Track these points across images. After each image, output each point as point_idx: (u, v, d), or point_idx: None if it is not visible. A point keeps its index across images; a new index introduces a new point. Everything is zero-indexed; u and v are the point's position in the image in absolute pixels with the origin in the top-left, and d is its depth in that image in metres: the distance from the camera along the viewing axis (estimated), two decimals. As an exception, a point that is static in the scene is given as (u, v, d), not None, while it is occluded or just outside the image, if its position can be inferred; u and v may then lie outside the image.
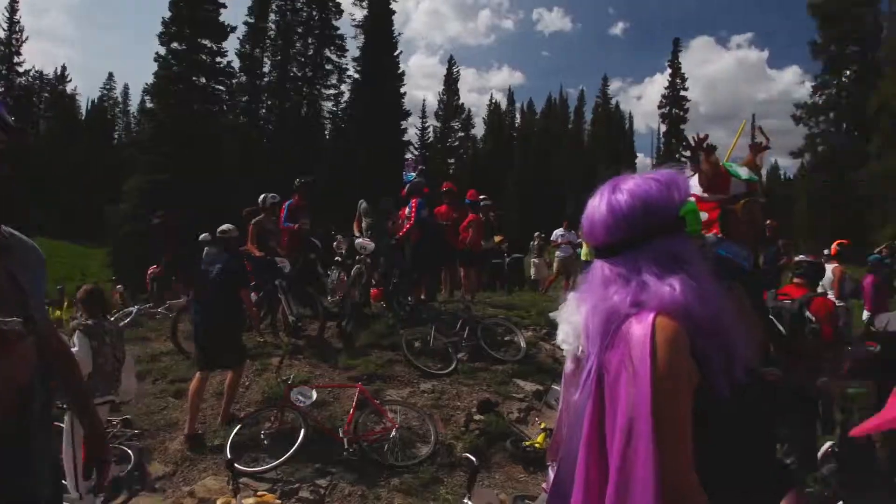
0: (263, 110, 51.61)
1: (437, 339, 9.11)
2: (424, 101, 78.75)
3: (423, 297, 11.03)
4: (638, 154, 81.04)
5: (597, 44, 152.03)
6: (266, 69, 51.34)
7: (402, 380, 8.34)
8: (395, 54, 53.84)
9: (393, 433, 6.86)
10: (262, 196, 10.21)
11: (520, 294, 15.70)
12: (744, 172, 2.51)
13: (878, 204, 35.52)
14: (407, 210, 10.31)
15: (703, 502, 1.57)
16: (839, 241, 11.83)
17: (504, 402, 8.04)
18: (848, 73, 46.82)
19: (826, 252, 12.24)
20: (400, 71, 54.26)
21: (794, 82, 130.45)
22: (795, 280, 5.80)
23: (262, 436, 6.71)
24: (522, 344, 9.56)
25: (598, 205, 1.79)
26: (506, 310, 11.43)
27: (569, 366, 1.98)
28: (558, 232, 16.12)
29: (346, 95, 53.72)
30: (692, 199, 2.53)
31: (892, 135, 34.87)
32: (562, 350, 1.95)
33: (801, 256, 6.23)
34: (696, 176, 2.58)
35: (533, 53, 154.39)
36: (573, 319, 1.83)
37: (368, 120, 48.91)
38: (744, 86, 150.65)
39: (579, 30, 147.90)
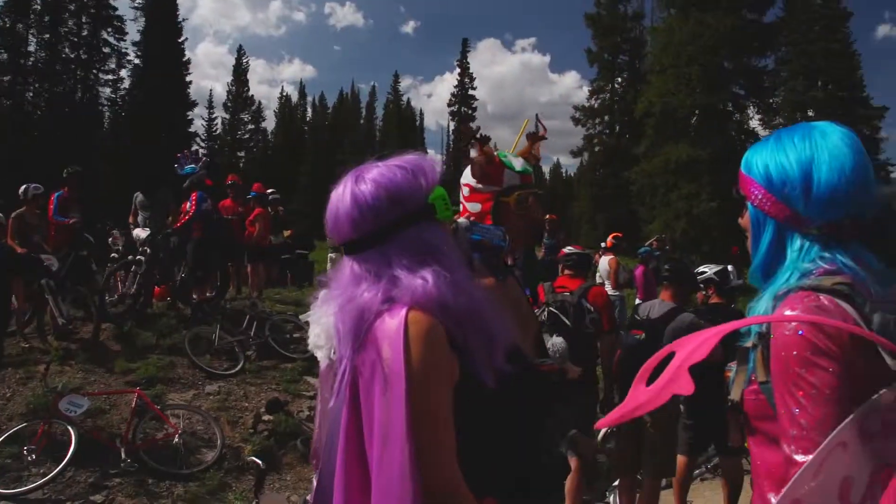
0: (31, 94, 46.82)
1: (222, 338, 8.73)
2: (212, 91, 75.24)
3: (208, 294, 10.54)
4: (429, 150, 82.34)
5: (388, 40, 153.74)
6: (32, 48, 46.34)
7: (186, 382, 7.91)
8: (181, 41, 51.11)
9: (175, 439, 6.47)
10: (23, 186, 9.20)
11: (311, 290, 15.44)
12: (518, 164, 2.50)
13: (647, 201, 38.66)
14: (188, 204, 9.76)
15: (469, 501, 1.56)
16: (614, 234, 12.71)
17: (294, 400, 7.86)
18: (619, 80, 50.74)
19: (602, 245, 13.06)
20: (186, 58, 51.61)
21: (573, 86, 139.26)
22: (566, 272, 6.08)
23: (25, 452, 6.03)
24: (313, 340, 9.34)
25: (341, 197, 1.70)
26: (295, 306, 11.20)
27: (323, 370, 1.90)
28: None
29: (127, 82, 50.06)
30: (471, 186, 2.54)
31: (656, 139, 38.09)
32: None
33: (569, 248, 6.46)
34: (470, 167, 2.58)
35: (325, 47, 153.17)
36: (324, 321, 1.74)
37: (151, 108, 45.99)
38: (528, 88, 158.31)
39: (371, 26, 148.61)
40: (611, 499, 6.51)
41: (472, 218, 2.36)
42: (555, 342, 5.16)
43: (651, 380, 1.05)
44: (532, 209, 2.45)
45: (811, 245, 1.46)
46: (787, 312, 1.35)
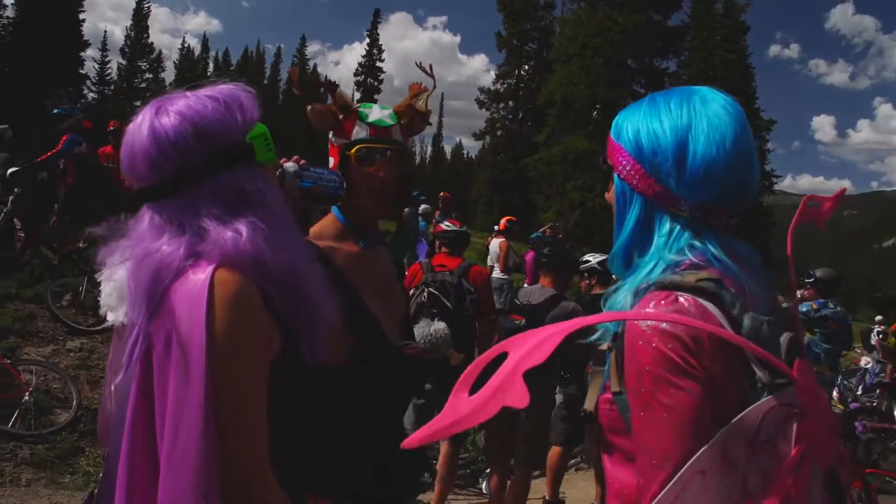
0: None
1: (89, 292, 8.11)
2: (106, 32, 69.71)
3: (81, 244, 9.84)
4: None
5: (299, 3, 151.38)
6: None
7: (45, 336, 7.35)
8: (75, -28, 47.77)
9: (25, 397, 5.96)
10: None
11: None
12: (374, 114, 2.13)
13: (545, 189, 39.20)
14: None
15: (273, 490, 1.33)
16: (508, 217, 12.64)
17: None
18: (526, 67, 51.11)
19: (495, 227, 13.00)
20: (81, -8, 48.24)
21: (481, 69, 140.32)
22: (444, 249, 5.86)
23: None
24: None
25: (138, 130, 1.39)
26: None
27: (114, 338, 1.61)
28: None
29: (11, 11, 46.11)
30: (330, 140, 2.23)
31: (557, 128, 38.66)
32: None
33: (447, 224, 6.23)
34: (314, 116, 2.25)
35: (233, 2, 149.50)
36: (117, 276, 1.43)
37: (36, 42, 42.87)
38: (437, 66, 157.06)
39: None
40: (483, 486, 6.45)
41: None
42: (437, 328, 4.98)
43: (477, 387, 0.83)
44: (379, 168, 2.08)
45: (681, 231, 1.28)
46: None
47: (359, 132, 2.11)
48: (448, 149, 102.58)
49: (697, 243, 1.26)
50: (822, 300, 7.21)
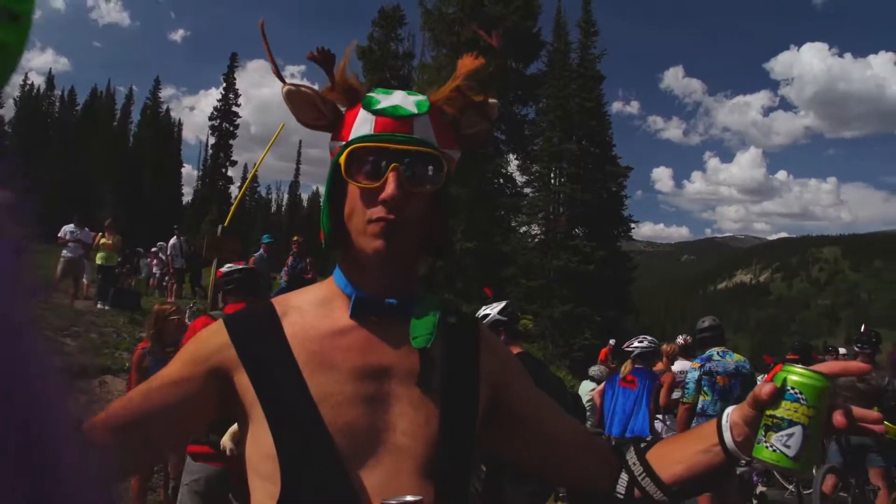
0: None
1: None
2: None
3: None
4: (185, 164, 79.02)
5: (154, 46, 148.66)
6: None
7: None
8: None
9: None
10: None
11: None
12: (387, 100, 1.16)
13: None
14: None
15: None
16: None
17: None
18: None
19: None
20: None
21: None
22: (228, 298, 4.69)
23: None
24: None
25: None
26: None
27: None
28: (67, 228, 13.55)
29: None
30: None
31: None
32: None
33: (229, 266, 4.98)
34: (294, 101, 1.21)
35: (83, 41, 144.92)
36: None
37: None
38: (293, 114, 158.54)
39: (137, 28, 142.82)
40: None
41: None
42: None
43: None
44: (385, 184, 1.11)
45: None
46: None
47: (360, 127, 1.14)
48: (305, 197, 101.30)
49: None
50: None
